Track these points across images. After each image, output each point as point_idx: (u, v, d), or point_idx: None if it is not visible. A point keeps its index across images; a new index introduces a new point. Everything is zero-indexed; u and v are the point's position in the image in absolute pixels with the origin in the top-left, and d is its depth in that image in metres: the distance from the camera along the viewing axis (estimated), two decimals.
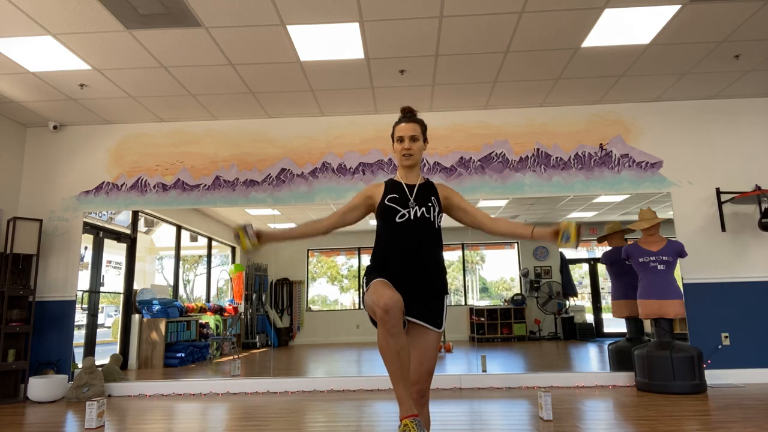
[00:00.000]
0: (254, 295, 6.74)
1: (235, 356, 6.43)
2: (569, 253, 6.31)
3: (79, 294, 5.48)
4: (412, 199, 2.31)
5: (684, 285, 5.16)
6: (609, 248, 5.47)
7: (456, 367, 5.54)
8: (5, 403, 4.86)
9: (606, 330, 6.09)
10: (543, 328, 6.33)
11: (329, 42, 4.17)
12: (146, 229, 6.47)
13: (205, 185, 5.60)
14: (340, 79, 4.83)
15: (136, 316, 5.96)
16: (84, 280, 5.62)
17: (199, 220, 6.31)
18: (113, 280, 6.05)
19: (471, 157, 5.53)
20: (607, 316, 6.14)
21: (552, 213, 6.04)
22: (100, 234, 5.85)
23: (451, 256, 6.74)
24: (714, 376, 4.96)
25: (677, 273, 5.02)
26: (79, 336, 5.46)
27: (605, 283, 6.12)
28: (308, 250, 6.94)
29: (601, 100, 5.48)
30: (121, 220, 6.04)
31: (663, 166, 5.40)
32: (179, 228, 6.50)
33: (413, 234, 2.25)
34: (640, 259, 4.88)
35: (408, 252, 2.23)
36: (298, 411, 4.19)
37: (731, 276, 5.18)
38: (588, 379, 5.06)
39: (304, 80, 4.85)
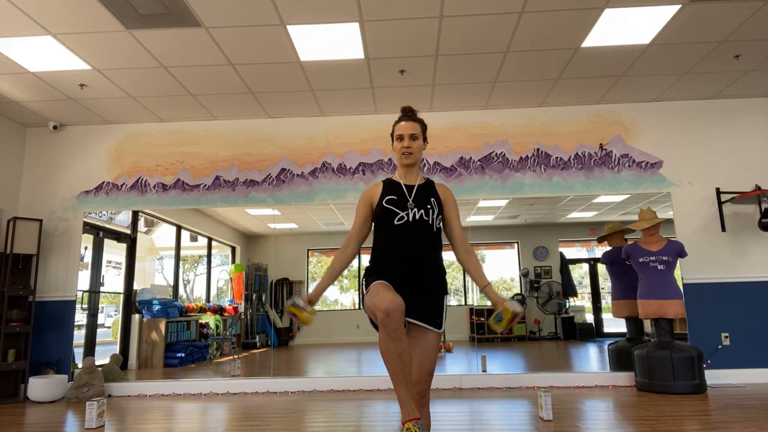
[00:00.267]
0: (254, 295, 6.73)
1: (235, 356, 6.43)
2: (569, 253, 6.30)
3: (79, 294, 5.48)
4: (410, 201, 2.28)
5: (684, 285, 5.16)
6: (609, 248, 5.47)
7: (456, 367, 5.54)
8: (5, 403, 4.86)
9: (606, 330, 6.09)
10: (543, 328, 6.33)
11: (329, 42, 4.17)
12: (146, 229, 6.47)
13: (205, 185, 5.60)
14: (340, 79, 4.83)
15: (136, 316, 5.96)
16: (84, 280, 5.62)
17: (199, 220, 6.31)
18: (113, 280, 6.05)
19: (471, 157, 5.53)
20: (607, 316, 6.13)
21: (552, 213, 6.04)
22: (100, 234, 5.85)
23: (451, 256, 6.71)
24: (714, 376, 4.96)
25: (677, 273, 5.02)
26: (79, 336, 5.46)
27: (605, 283, 6.12)
28: (308, 250, 6.94)
29: (601, 100, 5.48)
30: (121, 220, 6.04)
31: (663, 166, 5.40)
32: (179, 228, 6.50)
33: (412, 237, 2.23)
34: (640, 259, 4.88)
35: (407, 254, 2.21)
36: (298, 411, 4.19)
37: (731, 276, 5.18)
38: (588, 379, 5.06)
39: (304, 80, 4.85)
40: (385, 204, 2.28)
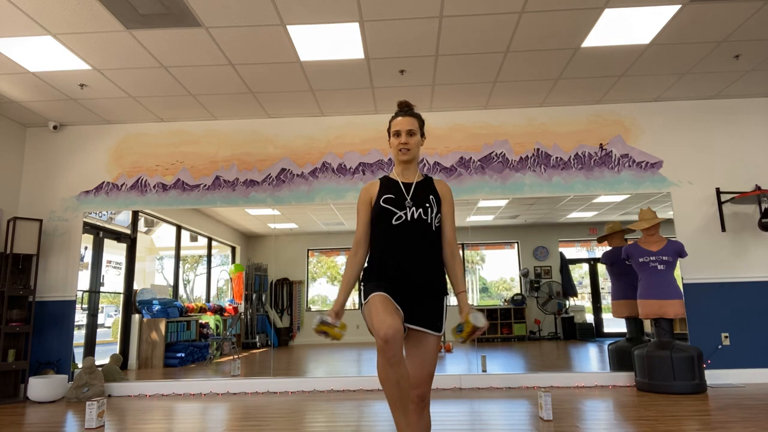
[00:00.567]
0: (254, 295, 6.73)
1: (235, 356, 6.43)
2: (569, 253, 6.30)
3: (79, 294, 5.48)
4: (408, 199, 2.21)
5: (684, 285, 5.16)
6: (609, 248, 5.47)
7: (456, 367, 5.54)
8: (5, 403, 4.86)
9: (606, 330, 6.09)
10: (543, 328, 6.33)
11: (329, 42, 4.17)
12: (146, 229, 6.47)
13: (205, 185, 5.60)
14: (340, 79, 4.83)
15: (136, 316, 5.96)
16: (84, 280, 5.62)
17: (199, 220, 6.31)
18: (113, 280, 6.04)
19: (471, 157, 5.53)
20: (607, 316, 6.13)
21: (552, 213, 6.04)
22: (100, 234, 5.85)
23: None
24: (714, 376, 4.96)
25: (677, 273, 5.02)
26: (79, 336, 5.46)
27: (605, 283, 6.12)
28: (308, 250, 6.94)
29: (601, 100, 5.48)
30: (121, 220, 6.04)
31: (663, 166, 5.40)
32: (179, 228, 6.50)
33: (410, 237, 2.16)
34: (640, 259, 4.88)
35: (405, 255, 2.15)
36: (298, 411, 4.19)
37: (731, 276, 5.18)
38: (588, 379, 5.06)
39: (304, 80, 4.85)
40: (382, 203, 2.21)
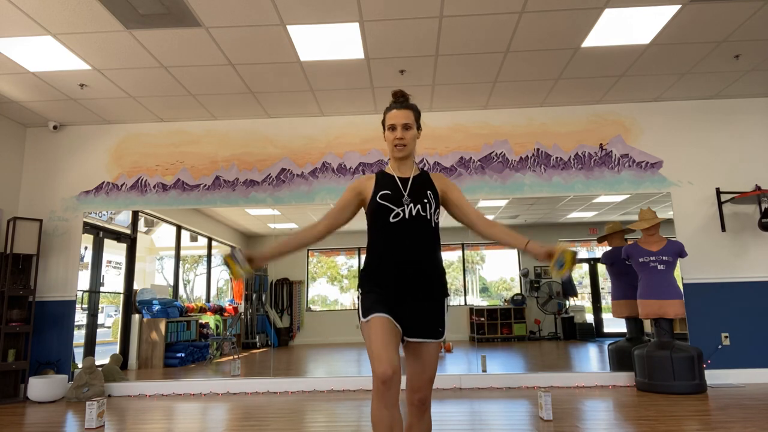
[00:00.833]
0: (254, 295, 6.74)
1: (235, 356, 6.43)
2: None
3: (79, 294, 5.48)
4: (406, 195, 2.09)
5: (684, 285, 5.16)
6: (609, 248, 5.47)
7: (456, 367, 5.54)
8: (5, 403, 4.86)
9: (606, 330, 6.09)
10: (543, 328, 6.33)
11: (329, 42, 4.17)
12: (146, 229, 6.47)
13: (205, 185, 5.60)
14: (340, 79, 4.83)
15: (136, 316, 5.96)
16: (84, 280, 5.62)
17: (199, 220, 6.31)
18: (113, 280, 6.05)
19: (471, 157, 5.53)
20: (607, 316, 6.14)
21: (552, 213, 6.04)
22: (100, 234, 5.85)
23: (451, 256, 6.74)
24: (714, 376, 4.96)
25: (677, 273, 5.02)
26: (79, 336, 5.46)
27: (605, 283, 6.12)
28: (308, 250, 6.94)
29: (601, 100, 5.48)
30: (121, 220, 6.04)
31: (663, 166, 5.40)
32: (179, 228, 6.50)
33: (409, 235, 2.05)
34: (640, 259, 4.88)
35: (404, 256, 2.04)
36: (298, 411, 4.19)
37: (731, 276, 5.18)
38: (588, 379, 5.06)
39: (304, 80, 4.85)
40: (379, 200, 2.09)
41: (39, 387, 4.85)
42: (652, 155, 5.43)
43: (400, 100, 2.18)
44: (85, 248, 5.69)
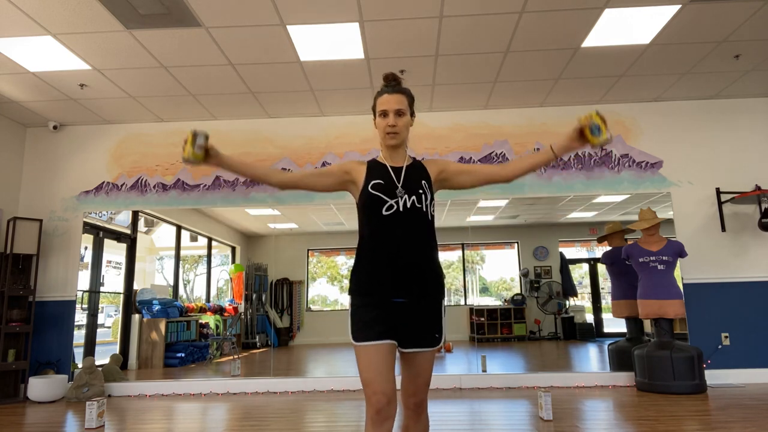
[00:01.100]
0: (254, 295, 6.74)
1: (235, 356, 6.43)
2: (569, 253, 6.31)
3: (79, 294, 5.48)
4: (400, 186, 1.94)
5: (684, 285, 5.16)
6: (609, 248, 5.47)
7: (456, 367, 5.54)
8: (5, 403, 4.86)
9: (606, 330, 6.09)
10: (543, 328, 6.33)
11: (329, 42, 4.17)
12: (146, 229, 6.47)
13: (205, 185, 5.60)
14: (340, 79, 4.83)
15: (136, 316, 5.96)
16: (84, 280, 5.62)
17: (199, 220, 6.31)
18: (113, 280, 6.05)
19: (471, 157, 5.53)
20: (607, 316, 6.14)
21: (552, 213, 6.04)
22: (100, 234, 5.85)
23: (451, 256, 6.74)
24: (714, 376, 4.96)
25: (677, 273, 5.02)
26: (79, 336, 5.46)
27: (605, 283, 6.12)
28: (308, 250, 6.94)
29: (601, 100, 5.48)
30: (121, 220, 6.04)
31: (663, 166, 5.40)
32: (179, 228, 6.50)
33: (403, 228, 1.90)
34: (640, 259, 4.88)
35: (398, 251, 1.88)
36: (298, 411, 4.19)
37: (731, 276, 5.18)
38: (588, 379, 5.06)
39: (304, 80, 4.85)
40: (371, 190, 1.93)
41: (39, 387, 4.85)
42: (652, 155, 5.43)
43: (392, 83, 2.01)
44: (85, 248, 5.69)
